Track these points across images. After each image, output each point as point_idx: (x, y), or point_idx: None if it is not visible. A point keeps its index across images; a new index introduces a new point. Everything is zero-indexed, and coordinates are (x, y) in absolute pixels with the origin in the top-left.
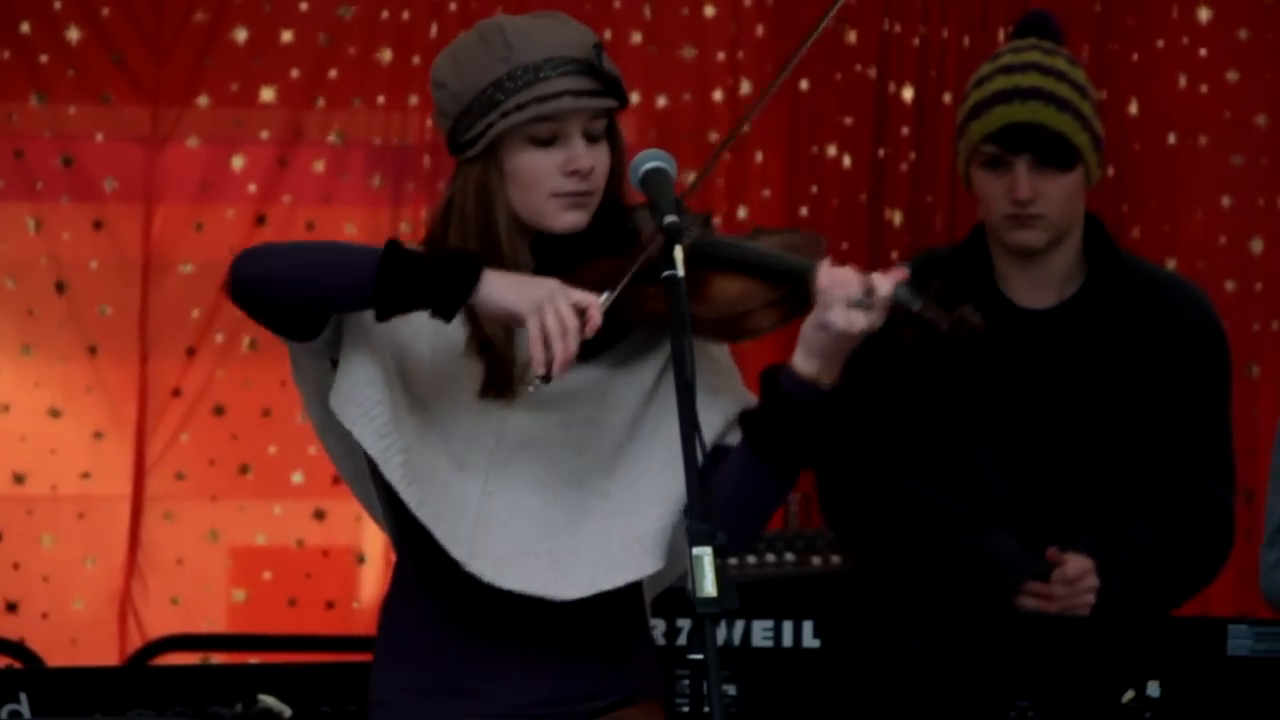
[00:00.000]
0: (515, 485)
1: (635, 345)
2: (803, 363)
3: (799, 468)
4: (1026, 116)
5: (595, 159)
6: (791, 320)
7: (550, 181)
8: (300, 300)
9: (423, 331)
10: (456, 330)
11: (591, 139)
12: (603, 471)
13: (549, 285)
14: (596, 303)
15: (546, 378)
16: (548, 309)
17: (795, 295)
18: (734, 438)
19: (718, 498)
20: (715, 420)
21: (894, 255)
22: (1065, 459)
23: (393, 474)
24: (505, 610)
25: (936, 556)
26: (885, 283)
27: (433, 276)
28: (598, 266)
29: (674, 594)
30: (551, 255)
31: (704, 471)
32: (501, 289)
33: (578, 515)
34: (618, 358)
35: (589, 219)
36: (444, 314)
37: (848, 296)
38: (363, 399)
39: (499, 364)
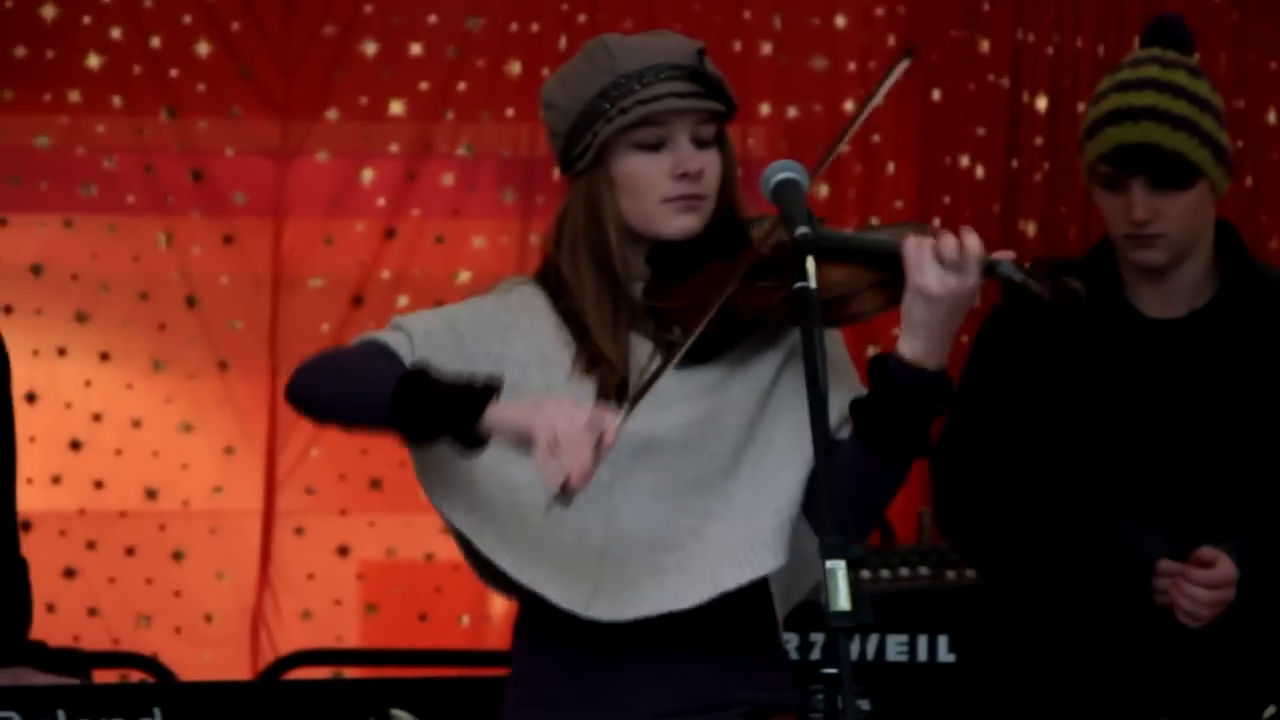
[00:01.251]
0: (640, 494)
1: (752, 346)
2: (906, 345)
3: (911, 455)
4: (1139, 138)
5: (705, 162)
6: (897, 304)
7: (660, 186)
8: (333, 421)
9: (529, 364)
10: (561, 354)
11: (700, 144)
12: (724, 472)
13: (557, 400)
14: (613, 418)
15: (565, 495)
16: (557, 425)
17: (899, 278)
18: (846, 432)
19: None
20: (830, 417)
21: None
22: (1197, 470)
23: (487, 548)
24: (629, 629)
25: (1063, 547)
26: (975, 241)
27: (442, 409)
28: (711, 270)
29: (808, 607)
30: (666, 263)
31: (837, 484)
32: (509, 411)
33: (704, 520)
34: (734, 358)
35: (702, 224)
36: (465, 443)
37: (938, 256)
38: (445, 471)
39: (609, 375)
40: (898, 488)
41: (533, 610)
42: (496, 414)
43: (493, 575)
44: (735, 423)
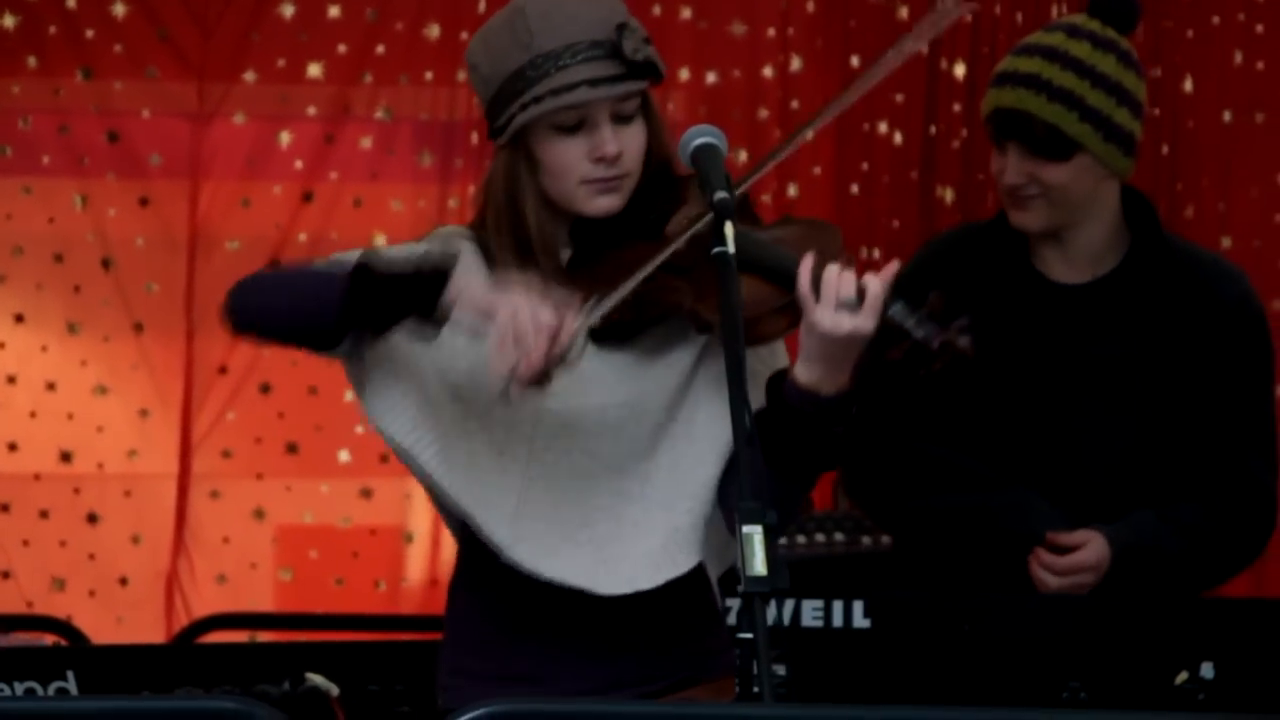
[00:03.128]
0: (556, 472)
1: (671, 330)
2: (802, 370)
3: (808, 473)
4: (1013, 103)
5: (624, 142)
6: (797, 327)
7: (579, 169)
8: (289, 329)
9: (458, 325)
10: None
11: (622, 119)
12: (641, 455)
13: (522, 286)
14: (574, 311)
15: (510, 384)
16: (519, 311)
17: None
18: None
19: (728, 497)
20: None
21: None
22: (1099, 433)
23: (428, 463)
24: (563, 597)
25: (959, 515)
26: (876, 284)
27: (402, 291)
28: (633, 252)
29: (725, 572)
30: (588, 238)
31: (755, 449)
32: (471, 292)
33: (619, 501)
34: (654, 342)
35: (623, 201)
36: (423, 321)
37: (836, 296)
38: (391, 393)
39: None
40: (798, 500)
41: (468, 566)
42: (461, 289)
43: (438, 502)
44: (655, 406)
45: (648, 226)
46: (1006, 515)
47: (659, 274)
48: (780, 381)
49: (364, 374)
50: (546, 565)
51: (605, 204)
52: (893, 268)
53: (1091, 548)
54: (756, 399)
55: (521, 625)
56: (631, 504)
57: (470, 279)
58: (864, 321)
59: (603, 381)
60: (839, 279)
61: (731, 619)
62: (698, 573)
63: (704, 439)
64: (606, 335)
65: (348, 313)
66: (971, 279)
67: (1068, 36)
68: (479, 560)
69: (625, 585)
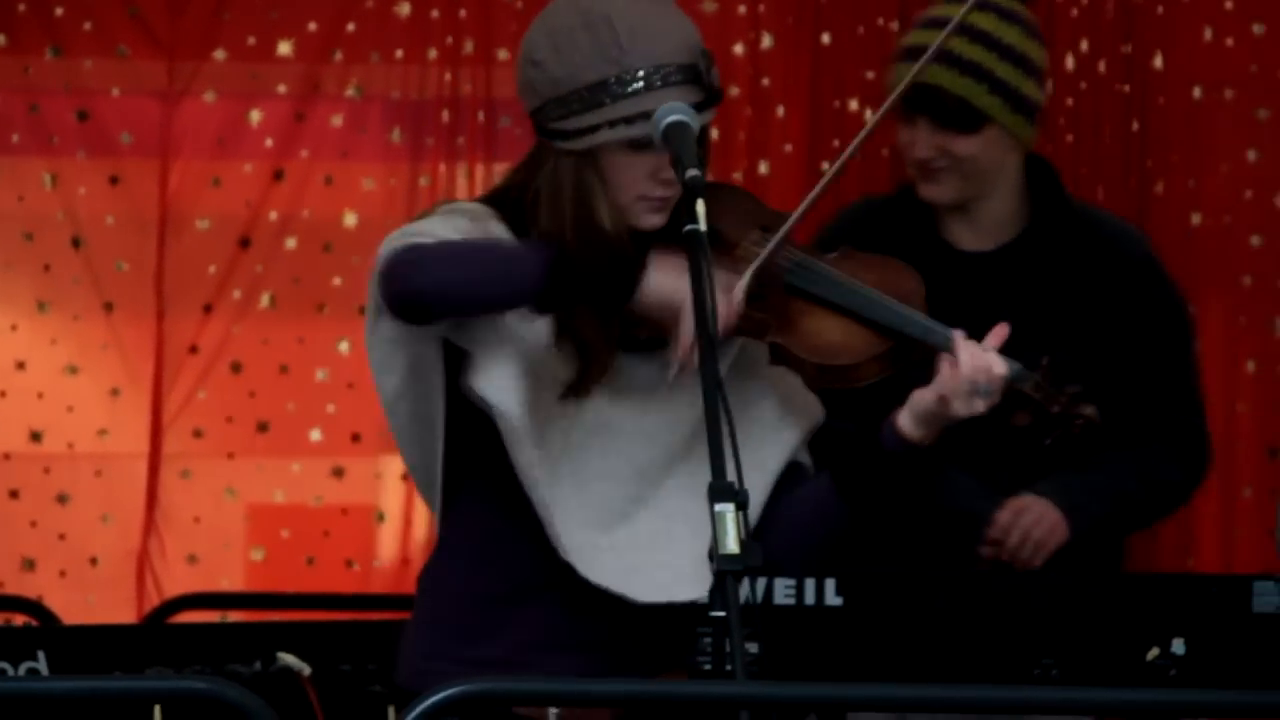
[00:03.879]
0: (586, 472)
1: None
2: (911, 427)
3: (877, 510)
4: (919, 78)
5: None
6: (890, 375)
7: (641, 185)
8: (468, 308)
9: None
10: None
11: None
12: (665, 465)
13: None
14: (739, 293)
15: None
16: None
17: (903, 350)
18: (806, 456)
19: (793, 523)
20: (790, 437)
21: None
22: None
23: (522, 456)
24: (544, 588)
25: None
26: (1002, 366)
27: (600, 278)
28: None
29: None
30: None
31: (774, 497)
32: (661, 283)
33: (635, 505)
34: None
35: (667, 219)
36: (615, 307)
37: (976, 387)
38: (504, 376)
39: (593, 362)
40: (856, 532)
41: (451, 553)
42: (652, 287)
43: (453, 481)
44: (689, 415)
45: (670, 234)
46: (949, 499)
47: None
48: (878, 431)
49: (424, 356)
50: (594, 571)
51: (656, 221)
52: (1003, 331)
53: (1037, 503)
54: (789, 431)
55: (499, 613)
56: (645, 510)
57: (660, 278)
58: (994, 401)
59: (642, 387)
60: (979, 367)
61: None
62: None
63: (751, 465)
64: (647, 343)
65: (548, 293)
66: (881, 251)
67: (977, 10)
68: (463, 547)
69: (660, 595)
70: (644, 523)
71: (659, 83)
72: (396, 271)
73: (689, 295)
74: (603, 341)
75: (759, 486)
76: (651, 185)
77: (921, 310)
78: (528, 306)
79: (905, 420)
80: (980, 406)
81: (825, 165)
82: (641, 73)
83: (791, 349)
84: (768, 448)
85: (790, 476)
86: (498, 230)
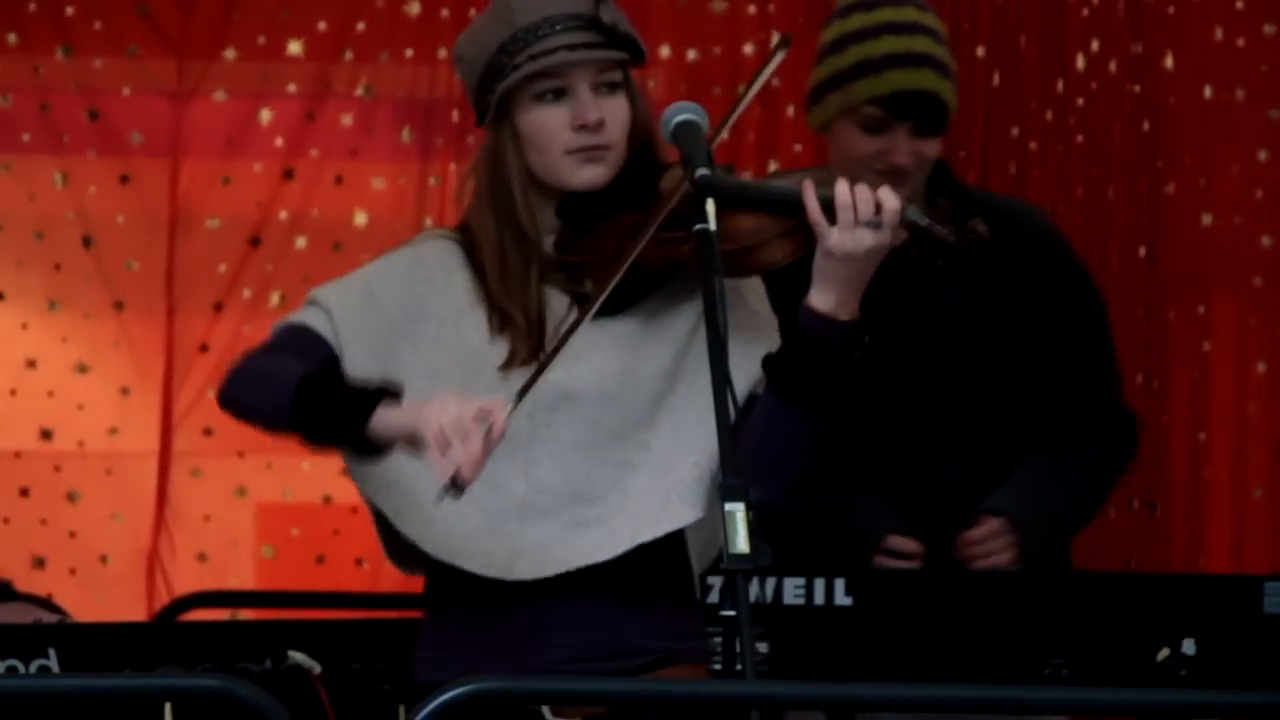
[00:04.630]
0: (559, 448)
1: (668, 296)
2: (818, 297)
3: (826, 407)
4: (919, 84)
5: (607, 111)
6: (807, 250)
7: (561, 138)
8: (254, 422)
9: (445, 320)
10: (477, 310)
11: (604, 90)
12: (643, 424)
13: (439, 398)
14: (502, 407)
15: (456, 487)
16: (443, 418)
17: (807, 225)
18: (762, 387)
19: (751, 447)
20: (751, 370)
21: None
22: (937, 392)
23: (409, 530)
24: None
25: (803, 514)
26: (893, 197)
27: (333, 416)
28: (621, 221)
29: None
30: (575, 214)
31: (736, 428)
32: (393, 414)
33: (625, 471)
34: (650, 309)
35: (609, 174)
36: (359, 449)
37: (855, 216)
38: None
39: (517, 333)
40: (816, 439)
41: (446, 572)
42: (382, 420)
43: (403, 551)
44: (653, 373)
45: (636, 196)
46: (845, 517)
47: (656, 232)
48: (793, 315)
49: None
50: (553, 564)
51: (590, 174)
52: (898, 192)
53: (990, 521)
54: (749, 364)
55: (503, 599)
56: (637, 473)
57: (390, 412)
58: (885, 236)
59: (600, 350)
60: (857, 197)
61: (714, 597)
62: (679, 559)
63: (706, 400)
64: (609, 303)
65: (295, 424)
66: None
67: (919, 10)
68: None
69: (627, 542)
70: (634, 485)
71: (548, 30)
72: (221, 386)
73: (422, 420)
74: (525, 319)
75: (709, 433)
76: (573, 136)
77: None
78: (285, 428)
79: (813, 290)
80: (869, 239)
81: (773, 166)
82: (530, 25)
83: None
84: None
85: (750, 407)
86: (441, 249)
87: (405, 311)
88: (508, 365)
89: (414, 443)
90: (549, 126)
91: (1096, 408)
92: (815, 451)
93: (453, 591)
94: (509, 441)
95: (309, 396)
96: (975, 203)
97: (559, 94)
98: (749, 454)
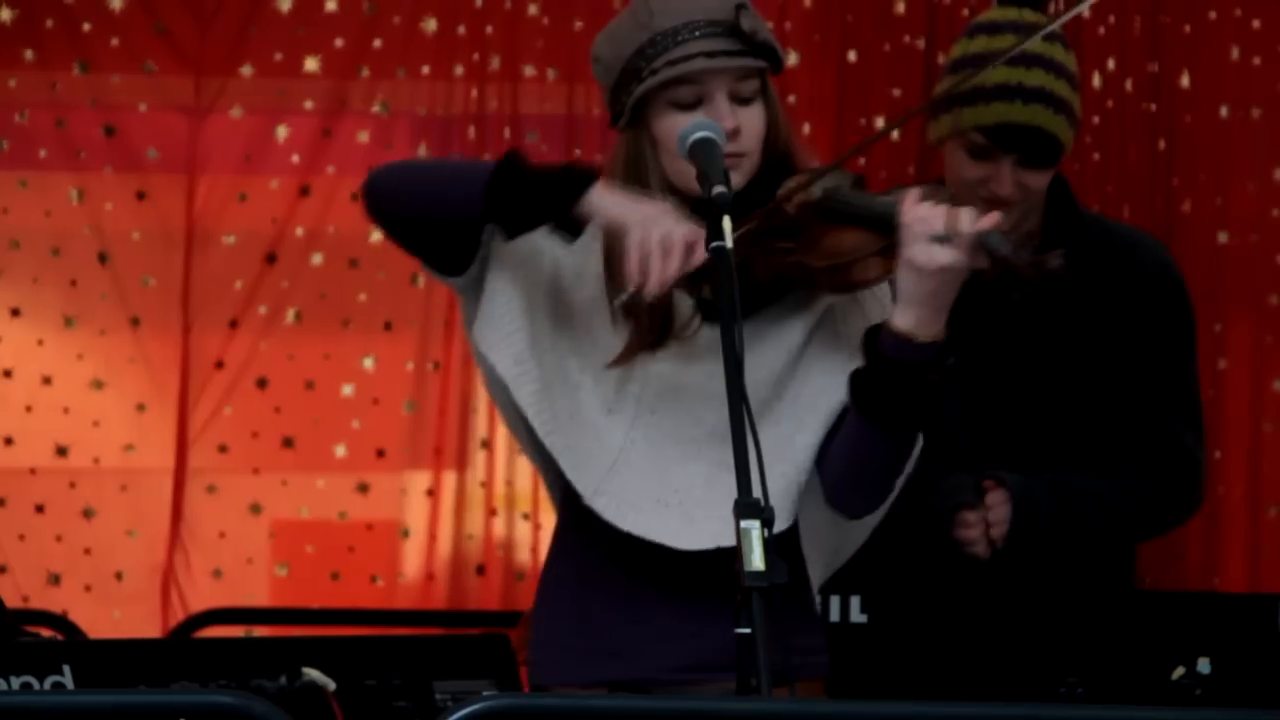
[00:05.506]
0: (659, 435)
1: (788, 304)
2: (899, 315)
3: (910, 428)
4: (1027, 119)
5: (742, 120)
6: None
7: None
8: (424, 216)
9: (584, 274)
10: (604, 289)
11: (741, 101)
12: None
13: (662, 206)
14: (702, 240)
15: (635, 296)
16: (654, 227)
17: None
18: None
19: (840, 459)
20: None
21: None
22: (1030, 415)
23: (524, 399)
24: (652, 569)
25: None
26: (968, 217)
27: (544, 184)
28: (744, 229)
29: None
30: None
31: (830, 437)
32: (613, 199)
33: (716, 470)
34: (770, 316)
35: (742, 182)
36: (559, 220)
37: (929, 231)
38: (502, 325)
39: (639, 330)
40: (904, 458)
41: (564, 529)
42: (599, 198)
43: (542, 457)
44: (762, 379)
45: (762, 205)
46: (936, 491)
47: (765, 241)
48: (875, 335)
49: (479, 304)
50: (627, 519)
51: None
52: (995, 217)
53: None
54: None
55: (610, 599)
56: (729, 473)
57: (612, 190)
58: (957, 256)
59: (713, 351)
60: (929, 212)
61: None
62: (796, 571)
63: (806, 409)
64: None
65: (492, 199)
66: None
67: (1047, 43)
68: (578, 528)
69: (708, 541)
70: (724, 485)
71: (686, 35)
72: (370, 179)
73: (639, 219)
74: (650, 318)
75: (813, 427)
76: None
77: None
78: (477, 210)
79: (895, 309)
80: (940, 255)
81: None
82: (670, 30)
83: (808, 263)
84: (828, 393)
85: (843, 418)
86: (585, 244)
87: (549, 252)
88: (618, 360)
89: (616, 234)
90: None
91: (1168, 447)
92: (907, 466)
93: (566, 586)
94: (614, 414)
95: (514, 168)
96: (1089, 227)
97: (696, 102)
98: (839, 465)
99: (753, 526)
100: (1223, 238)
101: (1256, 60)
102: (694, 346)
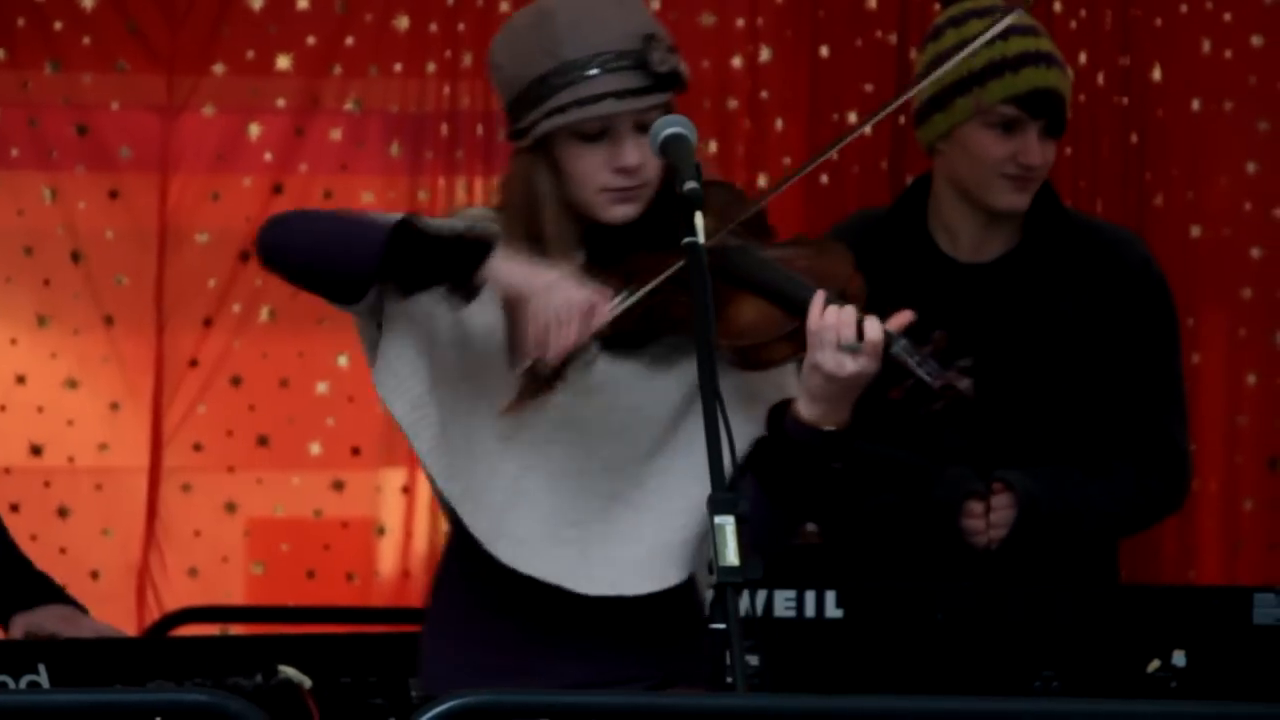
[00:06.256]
0: (553, 466)
1: (681, 342)
2: (804, 405)
3: (804, 505)
4: (1051, 82)
5: (645, 153)
6: (804, 355)
7: (599, 177)
8: (318, 271)
9: (485, 303)
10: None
11: (644, 129)
12: (640, 461)
13: (560, 271)
14: (607, 300)
15: (536, 365)
16: (554, 294)
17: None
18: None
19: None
20: (754, 431)
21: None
22: (1016, 410)
23: (422, 447)
24: (549, 593)
25: (889, 502)
26: (877, 328)
27: (441, 250)
28: (641, 260)
29: None
30: (602, 245)
31: (732, 445)
32: (511, 268)
33: (612, 504)
34: (662, 352)
35: (640, 210)
36: (457, 288)
37: (837, 339)
38: (399, 370)
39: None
40: (790, 531)
41: (456, 551)
42: (498, 266)
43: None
44: (659, 414)
45: (661, 237)
46: (936, 484)
47: (670, 287)
48: (782, 413)
49: (378, 339)
50: (526, 562)
51: (622, 212)
52: (905, 317)
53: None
54: (751, 426)
55: (506, 618)
56: (626, 509)
57: (509, 258)
58: (866, 364)
59: (613, 384)
60: (839, 321)
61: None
62: (687, 582)
63: (703, 458)
64: (618, 342)
65: (388, 262)
66: (880, 266)
67: (1028, 16)
68: (470, 550)
69: (607, 588)
70: (620, 519)
71: (596, 69)
72: (263, 228)
73: (538, 286)
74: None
75: (702, 496)
76: (609, 176)
77: (854, 298)
78: (371, 270)
79: (800, 398)
80: (849, 364)
81: (824, 179)
82: (578, 61)
83: (717, 336)
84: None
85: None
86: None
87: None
88: (510, 408)
89: (514, 303)
90: (587, 166)
91: (1161, 442)
92: (781, 545)
93: (459, 605)
94: (510, 442)
95: (412, 231)
96: (1071, 224)
97: (600, 134)
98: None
99: (726, 522)
100: (1195, 231)
101: (1228, 53)
102: (590, 380)
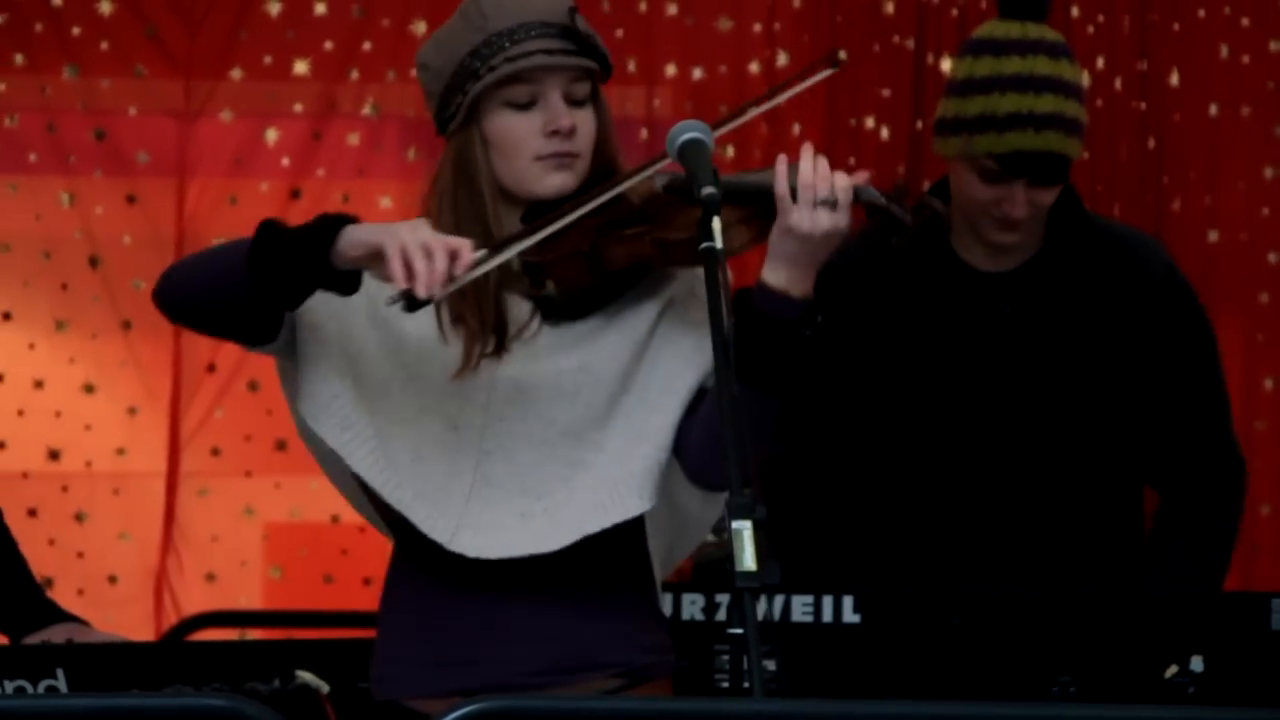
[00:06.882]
0: (511, 442)
1: (630, 298)
2: (771, 274)
3: (780, 387)
4: (1040, 146)
5: (577, 120)
6: (765, 238)
7: (532, 144)
8: (209, 306)
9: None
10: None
11: (574, 103)
12: (597, 422)
13: (414, 221)
14: (468, 245)
15: (410, 297)
16: (409, 235)
17: (764, 211)
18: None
19: (707, 435)
20: (703, 361)
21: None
22: (1037, 418)
23: (360, 464)
24: (500, 576)
25: None
26: (845, 180)
27: (296, 241)
28: (583, 225)
29: (713, 567)
30: (541, 219)
31: (686, 419)
32: (362, 229)
33: (574, 470)
34: (611, 311)
35: (576, 182)
36: (325, 277)
37: (814, 196)
38: (320, 395)
39: (470, 337)
40: (771, 422)
41: (405, 556)
42: (350, 233)
43: (371, 501)
44: (609, 373)
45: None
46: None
47: (614, 230)
48: (747, 295)
49: (296, 376)
50: (494, 547)
51: (558, 181)
52: (863, 175)
53: None
54: (703, 355)
55: (458, 610)
56: (587, 472)
57: (358, 228)
58: (841, 217)
59: (557, 348)
60: (817, 177)
61: (721, 614)
62: (642, 567)
63: (658, 393)
64: (562, 310)
65: (256, 275)
66: (900, 276)
67: (1051, 59)
68: (418, 552)
69: (573, 534)
70: (583, 483)
71: (522, 35)
72: (156, 287)
73: (389, 236)
74: (480, 324)
75: (670, 407)
76: (543, 142)
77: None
78: (250, 289)
79: (766, 267)
80: (825, 220)
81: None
82: (505, 30)
83: (667, 238)
84: (681, 375)
85: (699, 399)
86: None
87: (369, 295)
88: (461, 371)
89: (377, 259)
90: (520, 132)
91: (1215, 448)
92: (773, 436)
93: (409, 601)
94: (460, 429)
95: (270, 233)
96: (1093, 230)
97: (530, 101)
98: (704, 435)
99: (744, 527)
100: (1213, 236)
101: (1245, 58)
102: (536, 347)
